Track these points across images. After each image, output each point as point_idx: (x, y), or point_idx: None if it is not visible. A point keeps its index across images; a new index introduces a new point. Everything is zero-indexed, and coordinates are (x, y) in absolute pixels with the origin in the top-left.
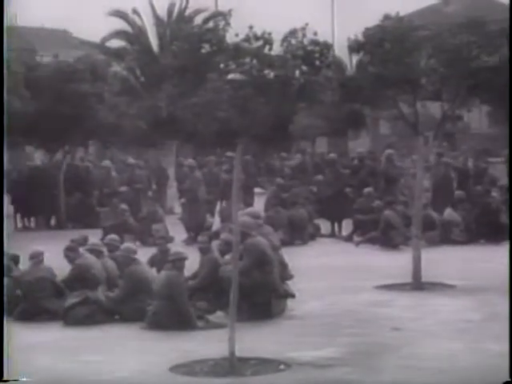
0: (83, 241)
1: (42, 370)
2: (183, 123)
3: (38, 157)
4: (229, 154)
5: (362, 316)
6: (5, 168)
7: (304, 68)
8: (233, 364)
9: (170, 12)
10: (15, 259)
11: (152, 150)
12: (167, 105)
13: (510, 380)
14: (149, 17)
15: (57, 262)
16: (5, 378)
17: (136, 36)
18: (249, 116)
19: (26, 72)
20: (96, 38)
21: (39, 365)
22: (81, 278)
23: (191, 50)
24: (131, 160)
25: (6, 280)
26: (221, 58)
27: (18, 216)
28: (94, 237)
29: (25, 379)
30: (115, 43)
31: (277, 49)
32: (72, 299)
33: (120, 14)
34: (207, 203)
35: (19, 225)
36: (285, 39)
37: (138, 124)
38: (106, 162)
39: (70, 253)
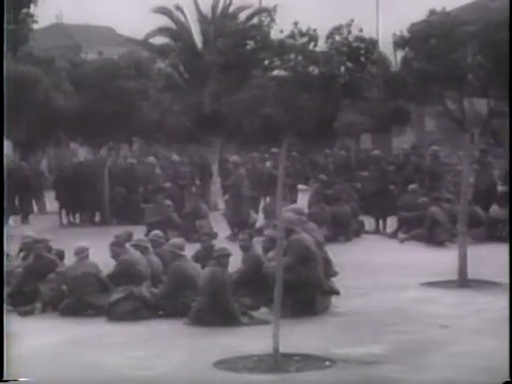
0: (128, 237)
1: (87, 365)
2: (227, 119)
3: (82, 153)
4: (273, 150)
5: (406, 313)
6: (41, 166)
7: (349, 64)
8: (277, 360)
9: (213, 9)
10: (60, 255)
11: (196, 146)
12: (211, 101)
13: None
14: (192, 13)
15: (101, 258)
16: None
17: (180, 33)
18: (293, 112)
19: (71, 69)
20: (140, 35)
21: (84, 360)
22: (126, 274)
23: (236, 47)
24: (175, 156)
25: (52, 275)
26: (265, 54)
27: (63, 212)
28: (139, 233)
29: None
30: (159, 40)
31: (322, 45)
32: (116, 295)
33: (164, 11)
34: (251, 199)
35: (64, 221)
36: (330, 35)
37: (181, 120)
38: (151, 159)
39: (116, 248)
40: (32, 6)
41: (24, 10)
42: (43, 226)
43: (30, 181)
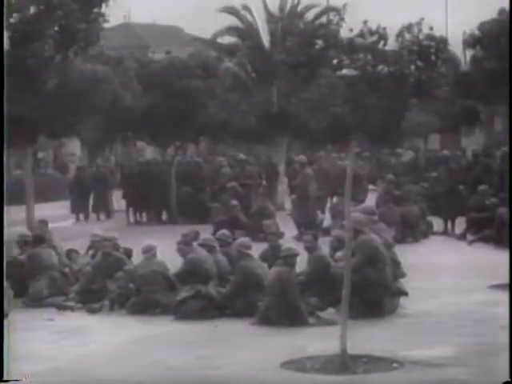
0: (194, 236)
1: (153, 364)
2: (295, 119)
3: (149, 152)
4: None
5: (474, 316)
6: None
7: (419, 63)
8: (344, 361)
9: (281, 8)
10: (128, 253)
11: (262, 145)
12: (279, 100)
13: (510, 380)
14: (260, 13)
15: (169, 257)
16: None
17: (247, 32)
18: (362, 112)
19: (139, 68)
20: (207, 35)
21: (151, 358)
22: (193, 273)
23: (304, 46)
24: (242, 156)
25: (120, 273)
26: (334, 53)
27: (131, 210)
28: (205, 232)
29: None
30: (227, 39)
31: (391, 44)
32: (184, 293)
33: (231, 11)
34: (318, 199)
35: (131, 219)
36: (400, 34)
37: (248, 120)
38: (220, 159)
39: (183, 247)
40: (103, 5)
41: (95, 10)
42: (111, 224)
43: (107, 178)
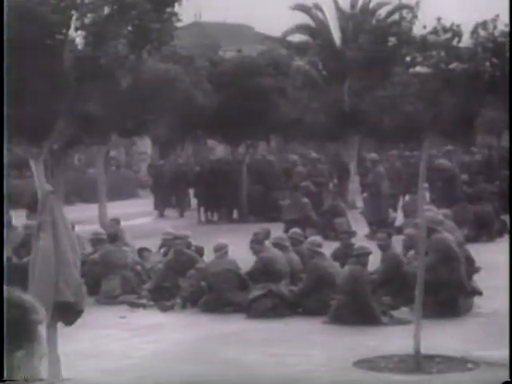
0: (266, 234)
1: (226, 362)
2: (367, 117)
3: (220, 150)
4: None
5: None
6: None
7: (494, 60)
8: (418, 361)
9: (353, 5)
10: (200, 251)
11: (333, 144)
12: (350, 98)
13: (509, 380)
14: (331, 11)
15: (240, 255)
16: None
17: (318, 30)
18: (435, 110)
19: (210, 67)
20: (278, 33)
21: (223, 356)
22: (265, 271)
23: (377, 43)
24: (314, 154)
25: (192, 271)
26: (407, 50)
27: (202, 209)
28: (276, 230)
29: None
30: (297, 37)
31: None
32: (256, 292)
33: (302, 9)
34: (390, 197)
35: (202, 218)
36: (474, 31)
37: (319, 118)
38: (292, 157)
39: (256, 245)
40: (176, 4)
41: (169, 9)
42: (183, 222)
43: (188, 176)
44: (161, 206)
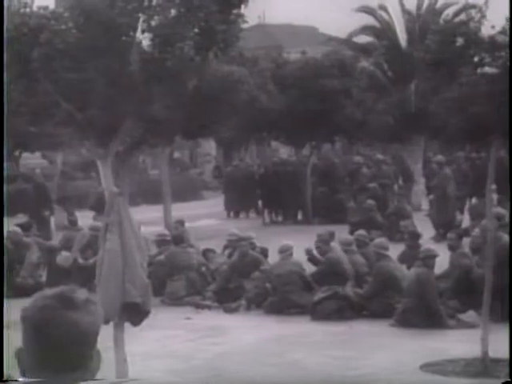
0: (330, 236)
1: (291, 364)
2: (433, 118)
3: (284, 152)
4: None
5: None
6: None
7: None
8: (486, 365)
9: (419, 6)
10: (264, 252)
11: (398, 145)
12: (416, 100)
13: (510, 380)
14: (397, 11)
15: (305, 257)
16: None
17: (384, 31)
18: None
19: (274, 69)
20: (343, 34)
21: (288, 358)
22: (331, 273)
23: (444, 44)
24: (379, 156)
25: (256, 273)
26: (475, 51)
27: (266, 211)
28: (341, 232)
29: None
30: (362, 39)
31: None
32: (321, 294)
33: (367, 10)
34: (456, 200)
35: (267, 219)
36: None
37: (385, 119)
38: (358, 158)
39: (323, 246)
40: (242, 6)
41: (235, 11)
42: (247, 223)
43: (255, 178)
44: (231, 207)
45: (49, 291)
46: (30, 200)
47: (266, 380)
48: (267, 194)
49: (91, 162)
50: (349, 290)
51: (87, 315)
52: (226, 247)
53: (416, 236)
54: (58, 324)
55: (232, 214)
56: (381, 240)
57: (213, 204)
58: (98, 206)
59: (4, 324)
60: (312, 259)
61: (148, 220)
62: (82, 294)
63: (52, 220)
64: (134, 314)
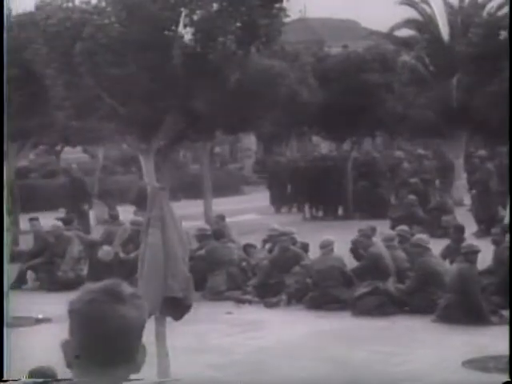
0: (371, 231)
1: (332, 359)
2: (475, 113)
3: (324, 147)
4: None
5: None
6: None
7: None
8: None
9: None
10: (305, 248)
11: (440, 140)
12: (458, 94)
13: (510, 380)
14: (438, 4)
15: (345, 252)
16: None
17: (426, 24)
18: None
19: (315, 63)
20: (385, 28)
21: (329, 353)
22: (372, 268)
23: (487, 37)
24: (420, 151)
25: (297, 268)
26: None
27: (307, 206)
28: (382, 227)
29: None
30: (404, 32)
31: None
32: (362, 289)
33: (410, 3)
34: (499, 195)
35: (307, 214)
36: None
37: (426, 114)
38: (399, 153)
39: (365, 240)
40: (285, 0)
41: (277, 5)
42: (287, 218)
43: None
44: (277, 201)
45: (95, 285)
46: (69, 194)
47: (308, 375)
48: (307, 189)
49: (132, 157)
50: (390, 285)
51: (133, 309)
52: (265, 242)
53: (461, 229)
54: (104, 317)
55: (278, 208)
56: (421, 235)
57: (253, 199)
58: (139, 201)
59: None
60: (355, 251)
61: (188, 215)
62: (127, 288)
63: (93, 214)
64: (176, 308)
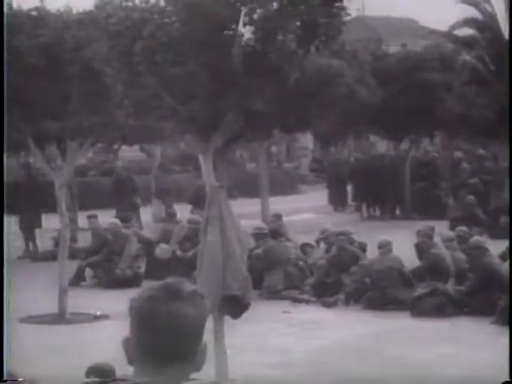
0: (430, 231)
1: (390, 360)
2: None
3: (381, 146)
4: None
5: None
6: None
7: None
8: None
9: None
10: (363, 247)
11: (500, 141)
12: None
13: (510, 380)
14: (499, 3)
15: (404, 252)
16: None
17: (486, 23)
18: None
19: (373, 62)
20: (444, 27)
21: (388, 354)
22: (433, 269)
23: None
24: (481, 151)
25: (355, 268)
26: None
27: (364, 205)
28: (440, 228)
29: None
30: (464, 31)
31: None
32: (421, 290)
33: (470, 2)
34: None
35: (364, 213)
36: None
37: (485, 114)
38: (458, 153)
39: (427, 240)
40: None
41: (337, 4)
42: (345, 218)
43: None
44: (336, 200)
45: (157, 283)
46: (116, 192)
47: (365, 375)
48: (365, 189)
49: (189, 155)
50: (450, 286)
51: (193, 307)
52: (317, 241)
53: None
54: (162, 315)
55: (336, 207)
56: (480, 237)
57: (309, 198)
58: (196, 200)
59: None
60: (420, 252)
61: (245, 213)
62: (189, 286)
63: (150, 212)
64: (234, 306)
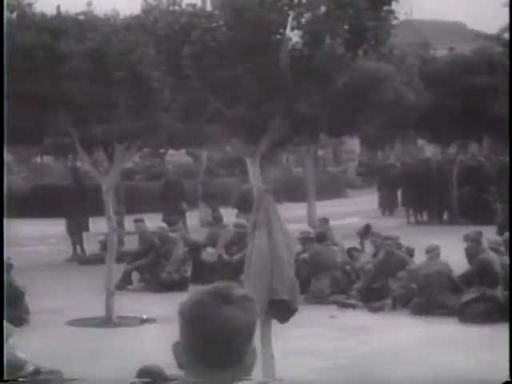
0: (478, 236)
1: (438, 366)
2: None
3: (429, 150)
4: None
5: None
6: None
7: None
8: None
9: None
10: (410, 252)
11: None
12: None
13: (510, 380)
14: None
15: (451, 257)
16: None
17: None
18: None
19: (421, 65)
20: (493, 30)
21: (435, 360)
22: (482, 274)
23: None
24: None
25: (402, 273)
26: None
27: (411, 209)
28: (488, 233)
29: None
30: None
31: None
32: (469, 295)
33: None
34: None
35: (411, 218)
36: None
37: None
38: (505, 158)
39: (476, 245)
40: (393, 2)
41: (385, 7)
42: (392, 222)
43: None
44: (386, 204)
45: (206, 287)
46: (165, 196)
47: (413, 381)
48: (412, 193)
49: (235, 159)
50: (498, 292)
51: (243, 312)
52: (360, 242)
53: None
54: (211, 319)
55: (388, 211)
56: None
57: (356, 202)
58: (242, 204)
59: None
60: (468, 253)
61: (291, 218)
62: (239, 290)
63: (196, 216)
64: (282, 311)
